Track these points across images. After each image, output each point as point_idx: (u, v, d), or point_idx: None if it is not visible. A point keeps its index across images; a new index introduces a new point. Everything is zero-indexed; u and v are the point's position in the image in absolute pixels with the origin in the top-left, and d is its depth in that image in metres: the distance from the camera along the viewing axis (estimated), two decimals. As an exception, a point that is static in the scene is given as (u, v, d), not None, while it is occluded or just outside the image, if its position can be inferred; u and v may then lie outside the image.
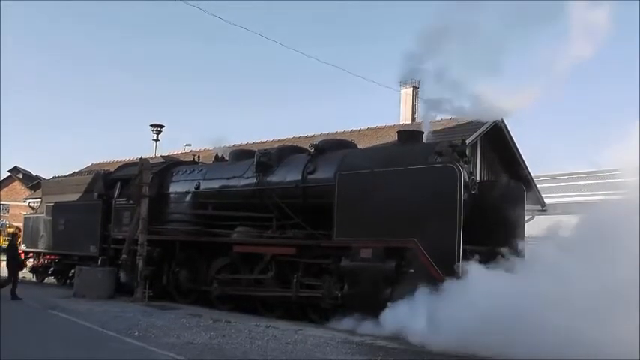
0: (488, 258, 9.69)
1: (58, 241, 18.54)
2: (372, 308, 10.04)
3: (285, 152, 13.77)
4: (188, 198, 15.10)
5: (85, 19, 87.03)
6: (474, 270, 9.13)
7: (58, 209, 18.88)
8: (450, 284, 9.08)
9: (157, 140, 30.35)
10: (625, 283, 7.41)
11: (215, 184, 14.50)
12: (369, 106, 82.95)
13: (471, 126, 17.49)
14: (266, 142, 22.25)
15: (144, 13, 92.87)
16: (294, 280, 11.84)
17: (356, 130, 21.28)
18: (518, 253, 9.87)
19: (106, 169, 20.51)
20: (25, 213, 26.16)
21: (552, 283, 7.98)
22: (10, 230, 34.87)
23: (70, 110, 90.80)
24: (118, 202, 16.54)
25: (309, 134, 21.38)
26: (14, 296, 14.14)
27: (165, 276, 14.98)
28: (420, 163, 10.61)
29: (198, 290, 14.25)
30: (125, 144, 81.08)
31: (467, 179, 10.53)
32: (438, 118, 14.98)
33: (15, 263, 15.02)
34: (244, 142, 23.12)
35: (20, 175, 47.34)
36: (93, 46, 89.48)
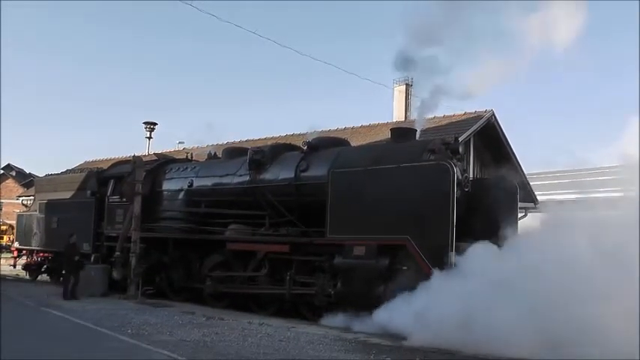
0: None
1: (51, 239, 18.45)
2: (365, 306, 10.07)
3: (278, 150, 13.76)
4: (181, 196, 15.08)
5: (79, 18, 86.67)
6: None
7: (51, 207, 18.85)
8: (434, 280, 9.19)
9: (149, 138, 30.21)
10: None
11: (208, 182, 14.49)
12: (363, 103, 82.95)
13: (464, 123, 17.53)
14: (259, 139, 22.22)
15: (138, 12, 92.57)
16: (288, 277, 11.86)
17: (349, 128, 21.26)
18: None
19: (99, 166, 20.43)
20: (18, 210, 26.06)
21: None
22: (4, 228, 34.76)
23: (63, 108, 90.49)
24: (111, 200, 16.52)
25: (302, 132, 21.25)
26: (73, 295, 14.16)
27: (159, 274, 14.96)
28: (413, 160, 10.61)
29: (191, 288, 14.24)
30: (118, 142, 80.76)
31: (460, 177, 10.56)
32: (431, 115, 14.87)
33: (73, 264, 14.83)
34: (237, 140, 23.06)
35: (13, 173, 47.14)
36: (86, 44, 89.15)
